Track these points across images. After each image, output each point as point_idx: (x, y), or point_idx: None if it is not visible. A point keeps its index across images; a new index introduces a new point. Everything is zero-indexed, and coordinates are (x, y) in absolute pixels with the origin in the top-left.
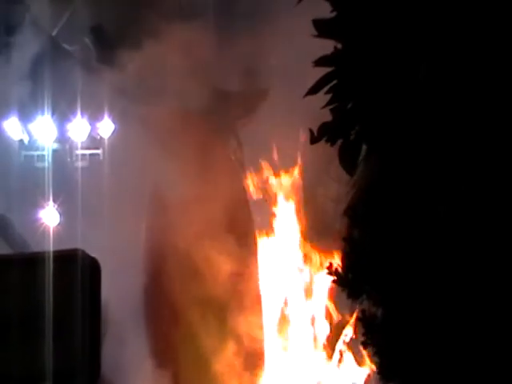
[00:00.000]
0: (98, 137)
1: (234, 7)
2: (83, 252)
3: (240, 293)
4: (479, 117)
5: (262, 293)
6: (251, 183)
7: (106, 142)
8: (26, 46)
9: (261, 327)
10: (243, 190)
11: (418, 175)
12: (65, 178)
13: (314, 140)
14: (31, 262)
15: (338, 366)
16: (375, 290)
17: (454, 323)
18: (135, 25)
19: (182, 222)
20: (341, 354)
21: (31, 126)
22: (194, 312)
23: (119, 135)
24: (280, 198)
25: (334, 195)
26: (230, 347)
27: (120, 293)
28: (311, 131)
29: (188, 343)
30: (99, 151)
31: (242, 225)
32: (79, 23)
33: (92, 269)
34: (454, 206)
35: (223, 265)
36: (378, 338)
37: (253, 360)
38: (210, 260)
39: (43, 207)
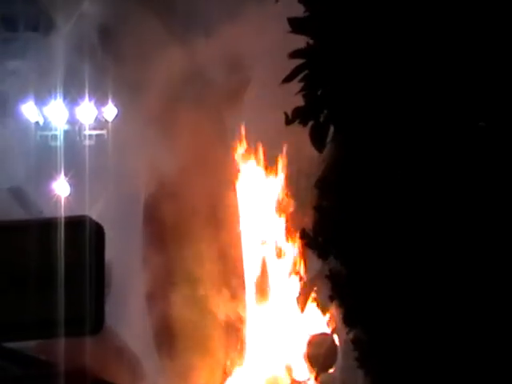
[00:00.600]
0: (103, 120)
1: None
2: (90, 218)
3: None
4: (429, 98)
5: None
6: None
7: (110, 124)
8: (40, 40)
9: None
10: (227, 165)
11: (378, 151)
12: (74, 154)
13: (288, 122)
14: (45, 226)
15: (310, 315)
16: (341, 251)
17: (407, 278)
18: (135, 24)
19: (174, 191)
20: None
21: (46, 110)
22: (188, 269)
23: (121, 118)
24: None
25: (307, 170)
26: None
27: (121, 252)
28: (286, 114)
29: (183, 300)
30: (104, 132)
31: (226, 197)
32: (87, 21)
33: (97, 232)
34: (409, 174)
35: (210, 223)
36: (342, 292)
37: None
38: (199, 220)
39: (56, 180)
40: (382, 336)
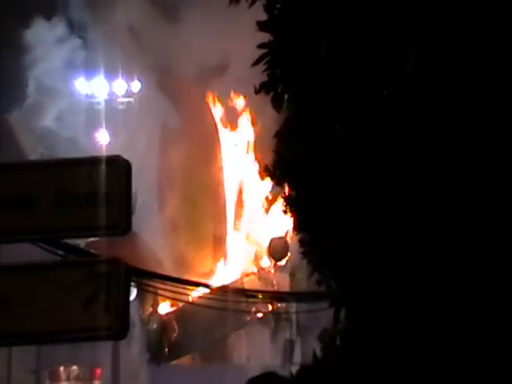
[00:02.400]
0: (131, 91)
1: None
2: (121, 156)
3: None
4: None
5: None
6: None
7: (136, 94)
8: (88, 38)
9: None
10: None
11: (318, 113)
12: (112, 115)
13: (256, 92)
14: (92, 160)
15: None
16: (293, 180)
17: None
18: (152, 25)
19: (177, 136)
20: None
21: (92, 84)
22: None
23: (143, 90)
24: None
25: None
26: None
27: (143, 179)
28: (255, 87)
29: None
30: (132, 99)
31: (209, 137)
32: (121, 24)
33: (126, 166)
34: (344, 126)
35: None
36: (293, 208)
37: None
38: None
39: (99, 132)
40: (319, 237)
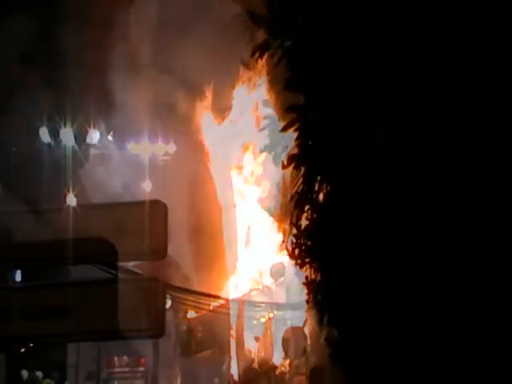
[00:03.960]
0: (168, 152)
1: None
2: (160, 200)
3: None
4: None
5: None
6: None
7: (172, 154)
8: (136, 111)
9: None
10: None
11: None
12: (154, 170)
13: (260, 151)
14: (139, 203)
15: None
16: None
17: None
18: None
19: (201, 186)
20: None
21: (139, 146)
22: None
23: (176, 151)
24: None
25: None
26: None
27: (176, 218)
28: (260, 148)
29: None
30: (168, 157)
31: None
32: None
33: (164, 208)
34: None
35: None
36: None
37: None
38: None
39: (144, 182)
40: (306, 262)
